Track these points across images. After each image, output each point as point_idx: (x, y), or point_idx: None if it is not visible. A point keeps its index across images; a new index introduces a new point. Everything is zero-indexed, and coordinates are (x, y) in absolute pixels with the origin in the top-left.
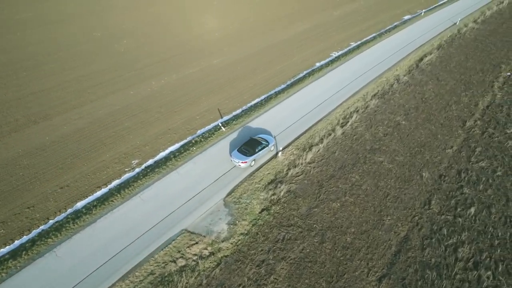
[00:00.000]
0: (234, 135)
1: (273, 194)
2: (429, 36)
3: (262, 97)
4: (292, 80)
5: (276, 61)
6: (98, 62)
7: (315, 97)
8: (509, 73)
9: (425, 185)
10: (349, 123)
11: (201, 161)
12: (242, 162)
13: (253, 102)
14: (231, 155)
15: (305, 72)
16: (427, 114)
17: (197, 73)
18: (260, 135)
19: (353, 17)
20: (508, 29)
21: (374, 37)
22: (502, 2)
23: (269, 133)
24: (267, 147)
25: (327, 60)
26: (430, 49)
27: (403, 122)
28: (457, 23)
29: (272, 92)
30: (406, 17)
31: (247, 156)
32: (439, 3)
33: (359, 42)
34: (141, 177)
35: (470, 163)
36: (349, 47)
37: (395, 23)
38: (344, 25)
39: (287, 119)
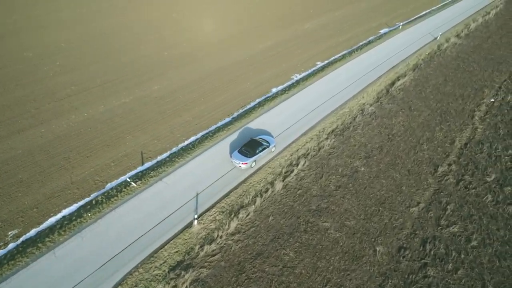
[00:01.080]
0: (147, 193)
1: (174, 287)
2: (405, 54)
3: (199, 135)
4: (240, 111)
5: (225, 87)
6: (15, 91)
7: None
8: (492, 99)
9: (378, 265)
10: (294, 173)
11: (91, 235)
12: (242, 163)
13: (186, 143)
14: (231, 156)
15: (257, 101)
16: (392, 157)
17: (130, 104)
18: (261, 136)
19: (325, 31)
20: (494, 44)
21: (344, 56)
22: (488, 13)
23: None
24: (267, 148)
25: (286, 84)
26: (405, 70)
27: (362, 169)
28: (438, 38)
29: (213, 127)
30: (383, 31)
31: (247, 157)
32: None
33: (326, 62)
34: (10, 259)
35: (439, 227)
36: (314, 68)
37: (370, 38)
38: (313, 40)
39: (218, 169)
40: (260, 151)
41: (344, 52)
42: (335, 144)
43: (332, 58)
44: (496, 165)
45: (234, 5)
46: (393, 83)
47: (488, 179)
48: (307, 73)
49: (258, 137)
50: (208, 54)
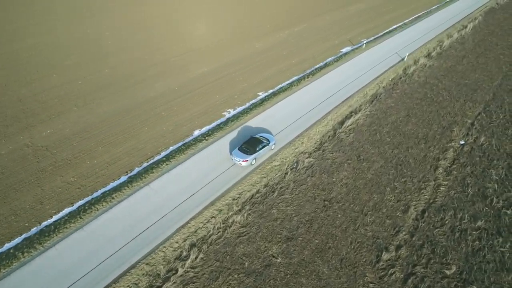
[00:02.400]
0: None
1: None
2: (364, 81)
3: (64, 211)
4: (143, 165)
5: (129, 133)
6: None
7: (139, 220)
8: (462, 142)
9: None
10: (179, 273)
11: None
12: (243, 161)
13: (49, 221)
14: (231, 154)
15: (170, 149)
16: (323, 237)
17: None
18: (261, 134)
19: (279, 51)
20: (469, 66)
21: (292, 84)
22: (465, 27)
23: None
24: (267, 146)
25: (213, 124)
26: (361, 102)
27: (279, 260)
28: (405, 59)
29: (90, 197)
30: (345, 50)
31: (248, 154)
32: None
33: (270, 92)
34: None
35: None
36: (253, 100)
37: (328, 59)
38: (261, 63)
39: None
40: (260, 149)
41: (293, 79)
42: (250, 219)
43: (278, 86)
44: (459, 247)
45: (169, 22)
46: (343, 121)
47: (448, 272)
48: (242, 108)
49: (258, 135)
50: (125, 88)
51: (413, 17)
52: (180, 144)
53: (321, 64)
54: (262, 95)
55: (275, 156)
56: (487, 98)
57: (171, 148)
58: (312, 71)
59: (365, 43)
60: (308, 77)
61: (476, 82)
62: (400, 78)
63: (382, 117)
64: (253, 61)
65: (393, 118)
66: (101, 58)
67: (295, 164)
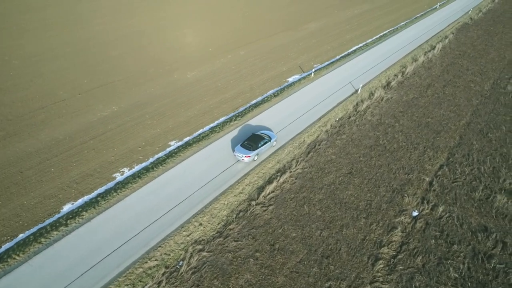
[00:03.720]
0: None
1: None
2: (304, 123)
3: None
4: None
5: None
6: None
7: None
8: (416, 213)
9: None
10: None
11: None
12: (245, 156)
13: None
14: (234, 150)
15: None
16: None
17: None
18: (263, 131)
19: (212, 82)
20: (434, 97)
21: (213, 129)
22: (434, 48)
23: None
24: (269, 142)
25: (78, 203)
26: (294, 154)
27: None
28: (359, 91)
29: None
30: (292, 78)
31: (250, 150)
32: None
33: (185, 140)
34: None
35: None
36: (159, 155)
37: (268, 93)
38: (187, 99)
39: None
40: (262, 145)
41: (220, 120)
42: None
43: (197, 133)
44: None
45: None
46: (263, 187)
47: None
48: (141, 166)
49: (260, 132)
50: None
51: (377, 36)
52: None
53: (259, 99)
54: (173, 145)
55: (153, 252)
56: (452, 144)
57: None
58: (245, 109)
59: (314, 72)
60: (236, 119)
61: (441, 121)
62: (350, 117)
63: (317, 177)
64: (176, 97)
65: (331, 178)
66: None
67: (179, 265)
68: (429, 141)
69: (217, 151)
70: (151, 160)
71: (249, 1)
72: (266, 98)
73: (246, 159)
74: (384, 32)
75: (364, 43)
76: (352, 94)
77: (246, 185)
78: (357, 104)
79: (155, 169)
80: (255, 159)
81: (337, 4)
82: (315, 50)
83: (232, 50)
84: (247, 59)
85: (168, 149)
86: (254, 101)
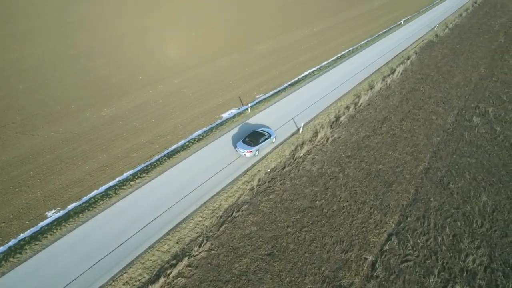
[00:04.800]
0: None
1: None
2: (225, 179)
3: None
4: None
5: None
6: None
7: None
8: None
9: None
10: None
11: None
12: (247, 152)
13: None
14: (236, 146)
15: None
16: None
17: None
18: (262, 128)
19: (128, 122)
20: (389, 135)
21: (93, 200)
22: (394, 71)
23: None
24: (269, 139)
25: None
26: (204, 227)
27: None
28: (301, 130)
29: None
30: (227, 114)
31: (251, 146)
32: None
33: (63, 213)
34: None
35: None
36: (29, 231)
37: (192, 136)
38: (89, 148)
39: None
40: (263, 141)
41: (110, 184)
42: None
43: (71, 206)
44: None
45: None
46: (178, 259)
47: None
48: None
49: (260, 129)
50: None
51: (334, 58)
52: None
53: (180, 143)
54: (51, 217)
55: None
56: (405, 201)
57: None
58: (157, 160)
59: (251, 107)
60: (140, 175)
61: (394, 168)
62: (284, 167)
63: (226, 263)
64: (78, 144)
65: (244, 264)
66: None
67: None
68: (378, 198)
69: (80, 240)
70: (11, 242)
71: (190, 21)
72: (187, 144)
73: (248, 154)
74: (342, 53)
75: (318, 66)
76: (292, 135)
77: (123, 285)
78: (296, 148)
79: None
80: (256, 155)
81: (293, 22)
82: (262, 76)
83: (165, 78)
84: (181, 89)
85: (41, 224)
86: (173, 147)
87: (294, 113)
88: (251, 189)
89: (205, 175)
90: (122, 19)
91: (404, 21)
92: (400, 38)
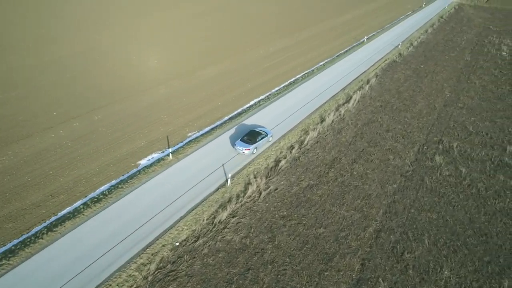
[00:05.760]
0: None
1: None
2: (116, 261)
3: None
4: None
5: None
6: None
7: None
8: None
9: None
10: None
11: None
12: (246, 149)
13: None
14: (235, 144)
15: None
16: None
17: None
18: (259, 128)
19: (20, 175)
20: (336, 185)
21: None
22: (349, 99)
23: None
24: (266, 137)
25: None
26: None
27: None
28: (229, 182)
29: None
30: (147, 160)
31: (249, 144)
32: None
33: None
34: None
35: None
36: None
37: (99, 190)
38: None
39: None
40: (260, 139)
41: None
42: None
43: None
44: None
45: None
46: None
47: None
48: None
49: (256, 129)
50: None
51: (286, 83)
52: None
53: (74, 206)
54: None
55: None
56: (346, 286)
57: None
58: (32, 236)
59: (172, 152)
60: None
61: (337, 233)
62: (198, 239)
63: None
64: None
65: None
66: None
67: None
68: (312, 281)
69: None
70: None
71: (127, 45)
72: (81, 207)
73: (246, 152)
74: (297, 77)
75: (267, 93)
76: (218, 189)
77: None
78: (218, 208)
79: None
80: (254, 152)
81: (248, 41)
82: (201, 108)
83: (84, 114)
84: (100, 127)
85: None
86: (62, 212)
87: (227, 157)
88: (145, 277)
89: (85, 260)
90: (47, 45)
91: (366, 39)
92: (361, 59)
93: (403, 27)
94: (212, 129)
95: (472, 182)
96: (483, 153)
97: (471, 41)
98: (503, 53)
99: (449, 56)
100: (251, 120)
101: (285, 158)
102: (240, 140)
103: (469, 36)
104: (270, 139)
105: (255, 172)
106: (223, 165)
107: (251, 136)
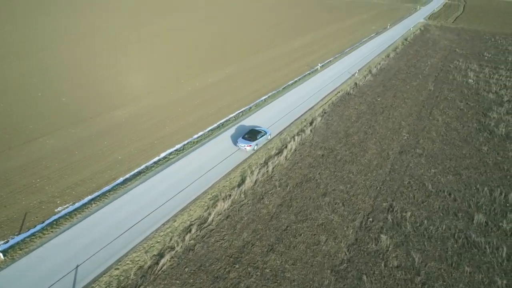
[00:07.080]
0: None
1: None
2: None
3: None
4: None
5: None
6: None
7: None
8: None
9: None
10: None
11: None
12: (247, 146)
13: None
14: (237, 142)
15: None
16: None
17: None
18: (258, 127)
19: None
20: (284, 247)
21: None
22: (283, 149)
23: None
24: (265, 135)
25: None
26: None
27: None
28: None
29: None
30: (64, 207)
31: (251, 141)
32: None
33: None
34: None
35: None
36: None
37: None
38: None
39: None
40: (261, 137)
41: None
42: None
43: None
44: None
45: None
46: None
47: None
48: None
49: (256, 128)
50: None
51: (215, 125)
52: None
53: None
54: None
55: None
56: None
57: None
58: None
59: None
60: None
61: None
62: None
63: None
64: None
65: None
66: None
67: None
68: None
69: None
70: None
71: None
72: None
73: (248, 148)
74: (230, 116)
75: (187, 141)
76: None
77: None
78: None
79: None
80: (254, 149)
81: (183, 70)
82: (119, 151)
83: (33, 140)
84: (42, 159)
85: None
86: None
87: (108, 238)
88: None
89: None
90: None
91: (321, 66)
92: (310, 91)
93: (364, 51)
94: (93, 198)
95: (428, 278)
96: (444, 227)
97: (435, 66)
98: (469, 80)
99: (410, 85)
100: (148, 185)
101: (173, 249)
102: (242, 138)
103: (434, 61)
104: (269, 137)
105: (118, 278)
106: (76, 267)
107: (252, 134)
